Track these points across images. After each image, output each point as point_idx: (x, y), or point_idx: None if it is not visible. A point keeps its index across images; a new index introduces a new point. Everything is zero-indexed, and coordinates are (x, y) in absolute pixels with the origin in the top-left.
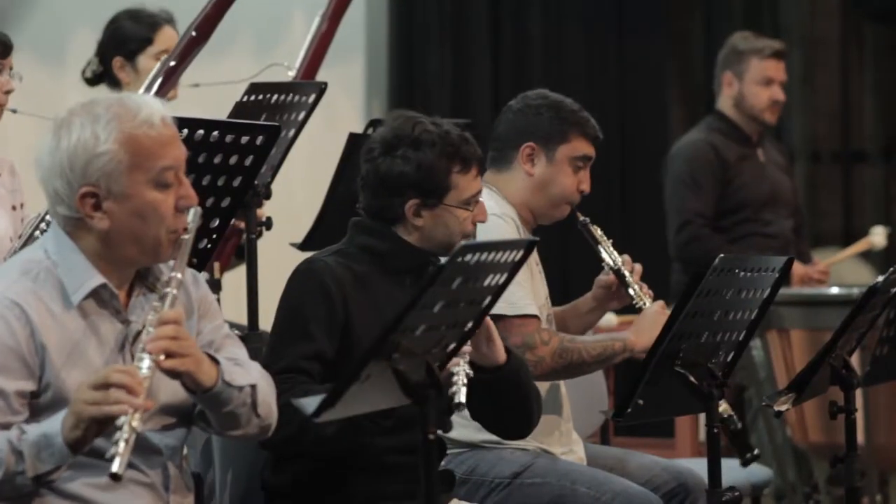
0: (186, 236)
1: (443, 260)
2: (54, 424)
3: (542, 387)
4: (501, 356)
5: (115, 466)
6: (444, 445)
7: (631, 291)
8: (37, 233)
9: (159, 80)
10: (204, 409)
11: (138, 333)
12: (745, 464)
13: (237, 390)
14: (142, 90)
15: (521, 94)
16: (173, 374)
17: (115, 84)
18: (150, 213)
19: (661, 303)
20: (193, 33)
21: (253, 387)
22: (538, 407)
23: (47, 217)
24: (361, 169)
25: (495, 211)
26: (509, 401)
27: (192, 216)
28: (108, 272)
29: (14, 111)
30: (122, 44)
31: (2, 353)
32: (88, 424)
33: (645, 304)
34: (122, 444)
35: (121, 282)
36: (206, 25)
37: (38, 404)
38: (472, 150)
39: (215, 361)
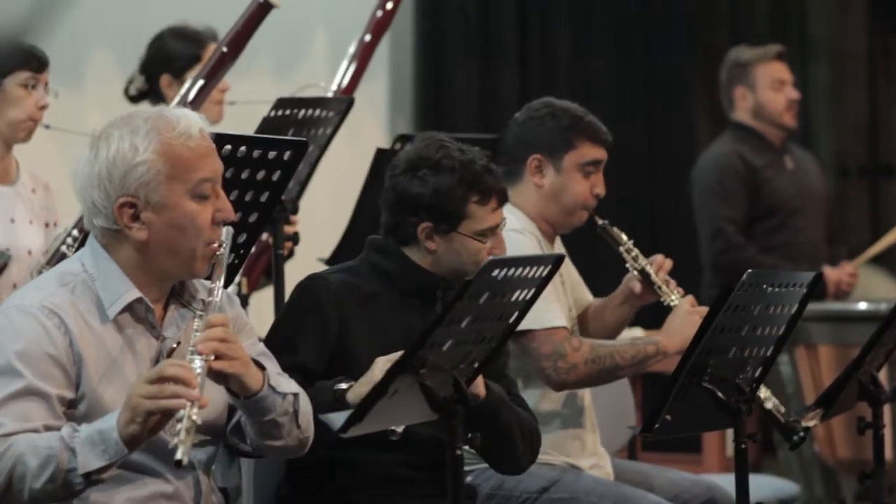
0: (221, 251)
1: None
2: (109, 421)
3: (559, 400)
4: (481, 391)
5: (179, 454)
6: (463, 460)
7: (658, 290)
8: (63, 247)
9: (191, 96)
10: (246, 417)
11: (173, 349)
12: (793, 447)
13: (281, 397)
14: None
15: (526, 104)
16: (221, 376)
17: (161, 101)
18: (188, 225)
19: (690, 299)
20: (224, 49)
21: (296, 395)
22: (529, 448)
23: (73, 233)
24: (385, 184)
25: (516, 226)
26: (491, 437)
27: (225, 234)
28: (145, 286)
29: (47, 127)
30: (168, 61)
31: (42, 361)
32: (145, 419)
33: (673, 301)
34: (183, 433)
35: (157, 296)
36: (237, 42)
37: (74, 415)
38: (493, 180)
39: (261, 367)
